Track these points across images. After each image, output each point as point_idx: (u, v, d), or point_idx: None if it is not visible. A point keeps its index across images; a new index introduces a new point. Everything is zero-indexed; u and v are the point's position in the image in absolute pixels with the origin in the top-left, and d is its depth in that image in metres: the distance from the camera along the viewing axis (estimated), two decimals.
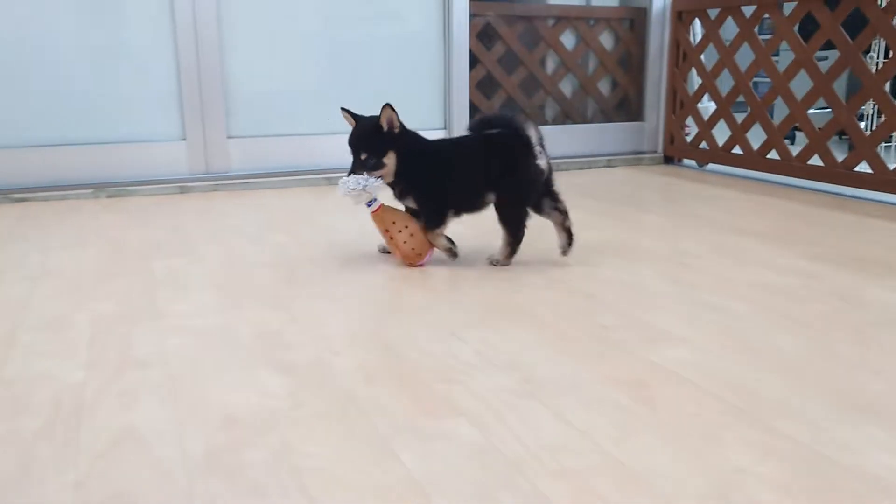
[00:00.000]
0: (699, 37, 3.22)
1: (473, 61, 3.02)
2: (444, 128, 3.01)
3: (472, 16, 2.96)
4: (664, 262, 1.72)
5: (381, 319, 1.33)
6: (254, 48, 2.71)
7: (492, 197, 1.67)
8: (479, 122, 1.71)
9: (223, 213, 2.28)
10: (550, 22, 3.17)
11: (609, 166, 3.24)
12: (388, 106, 1.61)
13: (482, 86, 3.10)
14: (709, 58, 3.09)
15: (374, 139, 1.63)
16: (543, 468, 0.84)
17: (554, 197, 1.71)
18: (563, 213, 1.70)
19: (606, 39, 3.30)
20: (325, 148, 2.80)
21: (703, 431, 0.93)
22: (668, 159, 3.34)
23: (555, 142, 3.19)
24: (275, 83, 2.77)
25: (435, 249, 1.71)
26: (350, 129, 1.68)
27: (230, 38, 2.66)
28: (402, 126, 1.66)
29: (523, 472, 0.83)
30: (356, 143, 1.65)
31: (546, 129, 3.15)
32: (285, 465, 0.85)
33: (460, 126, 3.00)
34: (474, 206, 1.70)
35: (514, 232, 1.67)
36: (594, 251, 1.80)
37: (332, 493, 0.80)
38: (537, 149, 1.66)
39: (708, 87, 3.05)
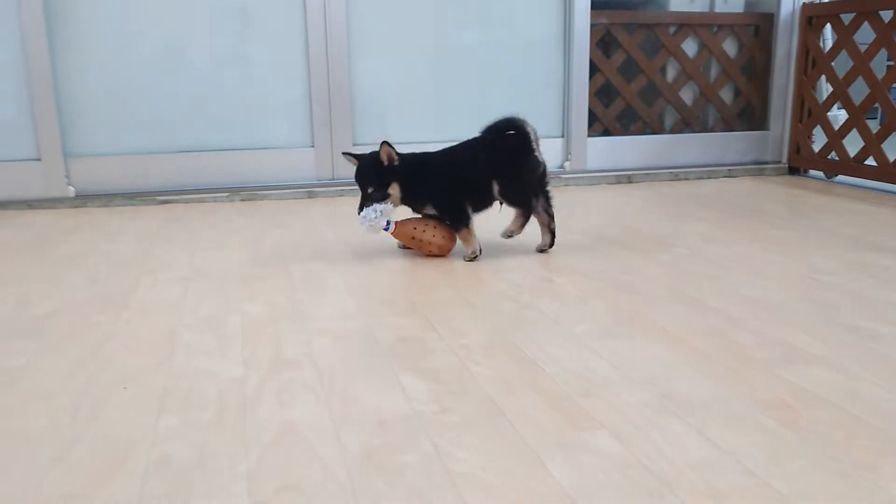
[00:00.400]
0: (830, 43, 3.10)
1: (593, 69, 3.01)
2: (562, 136, 3.02)
3: (593, 24, 2.96)
4: (795, 278, 1.67)
5: (514, 329, 1.36)
6: (378, 59, 2.81)
7: (496, 188, 1.85)
8: (495, 126, 1.89)
9: (350, 218, 2.37)
10: (672, 29, 3.13)
11: (730, 176, 3.17)
12: (384, 143, 1.80)
13: (601, 94, 3.09)
14: (839, 65, 2.97)
15: (376, 174, 1.82)
16: (692, 487, 0.85)
17: (546, 198, 1.90)
18: (550, 216, 1.91)
19: (730, 46, 3.22)
20: None
21: (854, 458, 0.91)
22: (793, 170, 3.23)
23: (674, 151, 3.17)
24: (397, 92, 2.86)
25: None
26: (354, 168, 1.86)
27: (357, 51, 2.77)
28: (400, 156, 1.83)
29: (673, 489, 0.84)
30: (361, 180, 1.84)
31: (665, 138, 3.13)
32: (439, 468, 0.89)
33: (579, 134, 3.00)
34: (484, 202, 1.89)
35: (525, 203, 1.88)
36: (721, 266, 1.77)
37: (487, 499, 0.83)
38: (534, 145, 1.87)
39: (839, 96, 2.93)
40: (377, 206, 1.81)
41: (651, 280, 1.66)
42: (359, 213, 1.82)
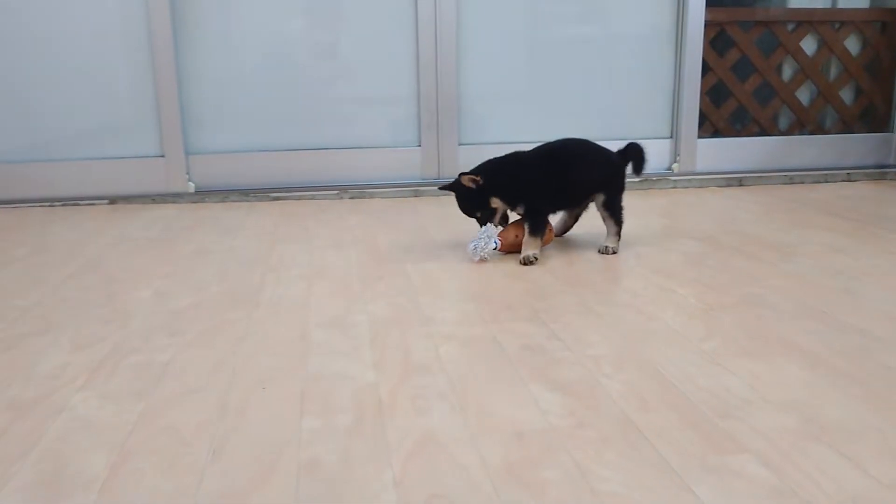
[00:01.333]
0: None
1: (704, 68, 2.93)
2: (671, 136, 2.95)
3: (707, 22, 2.87)
4: None
5: (640, 342, 1.34)
6: (484, 58, 2.81)
7: (602, 199, 1.94)
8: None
9: (458, 218, 2.37)
10: (790, 26, 3.00)
11: (848, 180, 3.03)
12: (461, 175, 1.86)
13: (712, 93, 3.00)
14: None
15: (473, 199, 1.88)
16: None
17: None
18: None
19: (852, 43, 3.07)
20: None
21: None
22: None
23: (788, 153, 3.05)
24: (502, 90, 2.86)
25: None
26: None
27: (465, 51, 2.78)
28: (483, 173, 1.85)
29: None
30: (465, 210, 1.92)
31: (779, 140, 3.02)
32: (584, 486, 0.89)
33: (689, 134, 2.93)
34: (564, 206, 2.02)
35: (622, 220, 1.96)
36: (854, 279, 1.70)
37: None
38: None
39: None
40: (481, 233, 1.86)
41: (777, 292, 1.61)
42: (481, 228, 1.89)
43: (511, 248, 1.91)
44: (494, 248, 1.87)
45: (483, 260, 1.86)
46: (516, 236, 1.90)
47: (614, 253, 1.93)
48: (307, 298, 1.60)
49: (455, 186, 1.90)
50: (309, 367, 1.24)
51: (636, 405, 1.10)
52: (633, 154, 1.99)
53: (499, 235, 1.90)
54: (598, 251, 1.95)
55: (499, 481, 0.90)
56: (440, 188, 1.96)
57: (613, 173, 1.98)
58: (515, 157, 1.93)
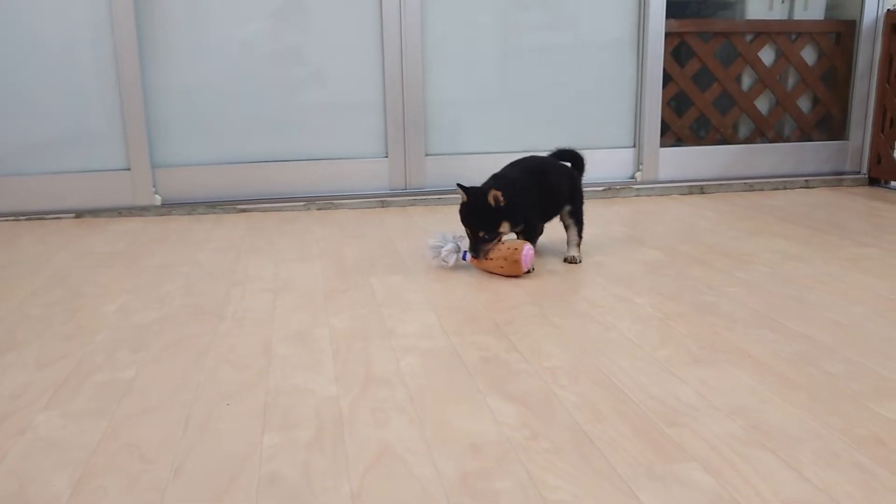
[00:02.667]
0: None
1: (665, 78, 2.99)
2: (634, 145, 3.01)
3: (667, 33, 2.94)
4: (884, 301, 1.65)
5: (596, 352, 1.38)
6: (450, 69, 2.85)
7: (568, 209, 2.03)
8: (570, 154, 2.14)
9: (424, 229, 2.41)
10: (749, 37, 3.08)
11: (807, 187, 3.11)
12: (493, 189, 1.81)
13: (673, 103, 3.07)
14: None
15: (487, 217, 1.83)
16: None
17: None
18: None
19: (809, 54, 3.16)
20: None
21: None
22: (873, 181, 3.15)
23: (748, 161, 3.12)
24: (468, 101, 2.89)
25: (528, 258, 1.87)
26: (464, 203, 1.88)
27: (430, 62, 2.81)
28: (504, 192, 1.81)
29: None
30: (472, 223, 1.86)
31: (739, 148, 3.09)
32: (535, 495, 0.92)
33: (651, 143, 2.99)
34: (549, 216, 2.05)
35: (583, 228, 2.05)
36: (804, 286, 1.76)
37: None
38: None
39: None
40: (443, 238, 1.92)
41: (732, 301, 1.66)
42: (470, 250, 1.88)
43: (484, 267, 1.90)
44: (465, 259, 1.92)
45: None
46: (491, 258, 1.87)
47: (580, 262, 1.99)
48: (272, 312, 1.62)
49: (473, 194, 1.84)
50: (271, 381, 1.27)
51: (589, 416, 1.13)
52: (573, 159, 2.11)
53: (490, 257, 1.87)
54: (565, 260, 2.00)
55: (452, 492, 0.93)
56: (458, 184, 1.86)
57: (575, 184, 2.07)
58: (512, 179, 1.91)
